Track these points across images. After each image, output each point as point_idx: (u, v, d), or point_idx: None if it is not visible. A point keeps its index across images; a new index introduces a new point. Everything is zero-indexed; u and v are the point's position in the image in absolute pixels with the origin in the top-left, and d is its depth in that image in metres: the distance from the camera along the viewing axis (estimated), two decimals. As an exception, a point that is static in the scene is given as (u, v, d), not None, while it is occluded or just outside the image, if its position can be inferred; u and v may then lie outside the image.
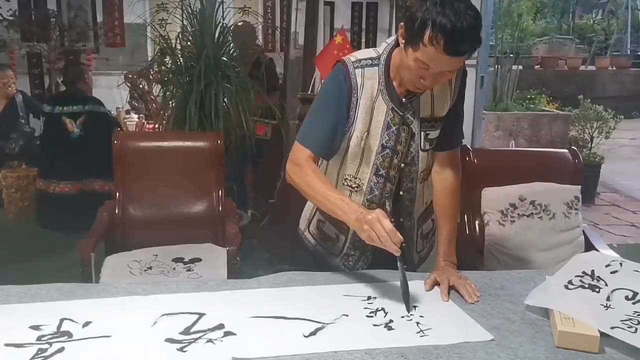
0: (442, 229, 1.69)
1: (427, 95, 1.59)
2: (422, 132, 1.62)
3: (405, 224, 1.73)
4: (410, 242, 1.76)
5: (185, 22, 3.85)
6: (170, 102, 3.77)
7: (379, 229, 1.36)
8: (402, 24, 1.45)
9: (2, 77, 4.90)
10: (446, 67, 1.41)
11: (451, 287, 1.52)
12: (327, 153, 1.63)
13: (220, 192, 2.79)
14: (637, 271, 1.48)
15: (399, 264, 1.43)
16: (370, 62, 1.57)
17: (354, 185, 1.66)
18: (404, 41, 1.44)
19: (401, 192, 1.69)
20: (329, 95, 1.60)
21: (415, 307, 1.42)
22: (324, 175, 1.65)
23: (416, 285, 1.54)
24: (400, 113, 1.58)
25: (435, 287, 1.54)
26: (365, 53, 1.61)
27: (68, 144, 4.23)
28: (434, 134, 1.64)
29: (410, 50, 1.41)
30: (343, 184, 1.67)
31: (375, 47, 1.63)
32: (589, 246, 2.33)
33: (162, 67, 3.96)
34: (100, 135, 3.82)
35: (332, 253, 1.77)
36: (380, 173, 1.63)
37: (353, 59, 1.58)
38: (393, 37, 1.58)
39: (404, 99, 1.57)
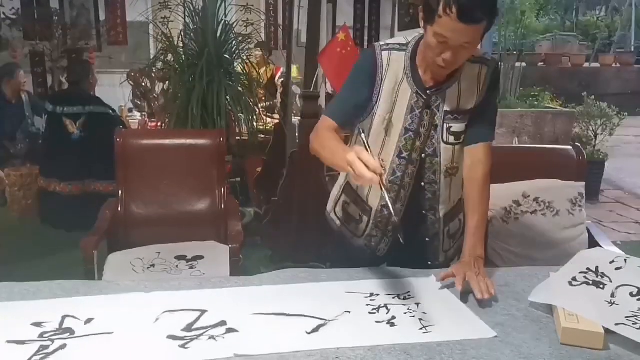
0: (468, 220, 1.66)
1: (455, 89, 1.60)
2: (445, 124, 1.63)
3: (429, 218, 1.73)
4: (437, 239, 1.76)
5: (187, 20, 3.85)
6: (174, 100, 3.77)
7: (359, 165, 1.31)
8: (420, 7, 1.48)
9: (18, 79, 4.87)
10: (464, 38, 1.41)
11: (466, 281, 1.47)
12: (349, 123, 1.69)
13: (222, 189, 2.79)
14: (641, 267, 1.47)
15: (384, 193, 1.42)
16: (398, 47, 1.61)
17: None
18: (423, 22, 1.47)
19: (423, 184, 1.69)
20: (356, 72, 1.67)
21: (418, 304, 1.42)
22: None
23: (425, 281, 1.54)
24: (424, 97, 1.60)
25: (444, 283, 1.52)
26: (394, 39, 1.67)
27: (68, 145, 4.20)
28: (457, 127, 1.64)
29: (429, 27, 1.45)
30: None
31: None
32: (593, 243, 2.31)
33: (165, 64, 3.96)
34: (101, 136, 3.65)
35: (355, 235, 1.80)
36: (402, 155, 1.65)
37: (382, 43, 1.64)
38: None
39: (428, 91, 1.59)
